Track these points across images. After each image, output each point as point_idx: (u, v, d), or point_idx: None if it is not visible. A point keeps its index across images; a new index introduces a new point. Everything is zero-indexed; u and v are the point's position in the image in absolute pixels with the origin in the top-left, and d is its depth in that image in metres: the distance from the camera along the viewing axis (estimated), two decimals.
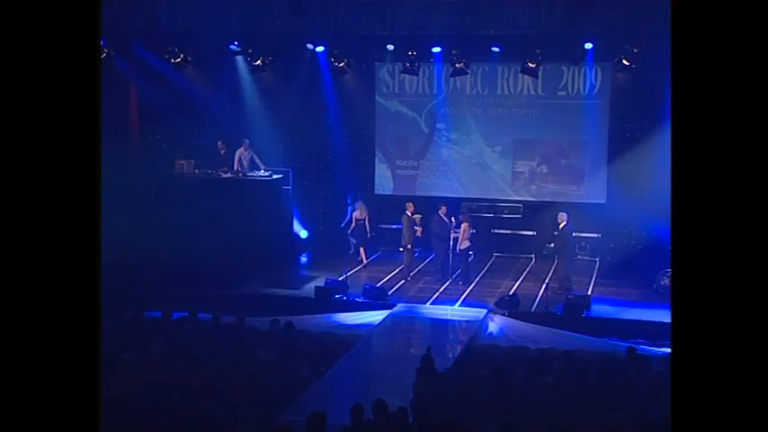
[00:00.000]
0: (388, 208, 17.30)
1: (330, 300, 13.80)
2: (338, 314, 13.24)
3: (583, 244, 16.66)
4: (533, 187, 17.22)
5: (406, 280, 15.08)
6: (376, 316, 13.04)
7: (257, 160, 16.78)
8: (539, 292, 14.12)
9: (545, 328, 12.45)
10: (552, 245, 14.27)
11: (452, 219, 14.76)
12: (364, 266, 16.09)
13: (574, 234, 15.45)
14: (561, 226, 14.04)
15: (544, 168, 17.15)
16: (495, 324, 12.80)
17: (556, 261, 14.72)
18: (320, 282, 14.39)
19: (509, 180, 17.34)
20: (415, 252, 16.01)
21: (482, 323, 12.73)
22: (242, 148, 16.81)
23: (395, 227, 16.49)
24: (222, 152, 17.06)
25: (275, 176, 16.63)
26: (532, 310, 13.34)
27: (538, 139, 17.10)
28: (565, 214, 14.12)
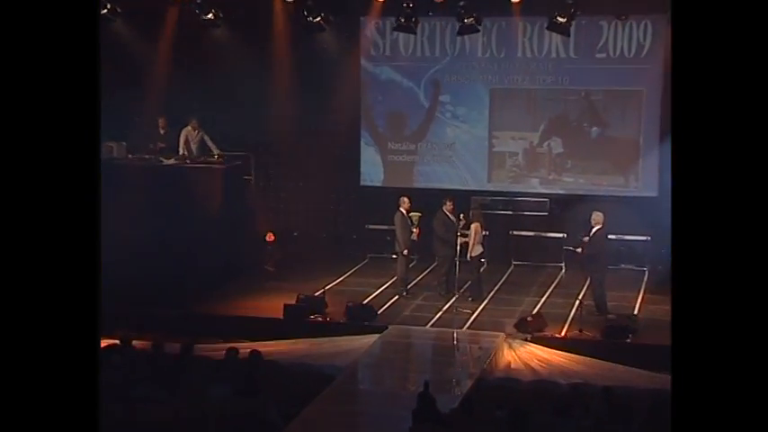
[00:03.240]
0: (377, 203, 17.29)
1: (303, 321, 13.77)
2: (314, 339, 13.18)
3: (626, 249, 16.66)
4: (563, 177, 17.26)
5: (401, 295, 15.08)
6: (362, 342, 13.00)
7: (209, 142, 16.73)
8: (570, 311, 14.10)
9: (579, 357, 12.42)
10: (580, 249, 14.24)
11: (460, 217, 14.73)
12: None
13: (615, 237, 15.44)
14: (595, 230, 13.99)
15: (576, 151, 17.19)
16: (514, 352, 12.77)
17: (589, 276, 14.69)
18: (291, 298, 14.33)
19: (529, 166, 17.39)
20: (412, 260, 15.97)
21: (498, 351, 12.71)
22: (189, 128, 16.75)
23: (386, 227, 16.47)
24: (163, 132, 17.00)
25: (235, 163, 16.57)
26: (562, 334, 13.33)
27: (566, 116, 17.16)
28: (601, 215, 14.06)
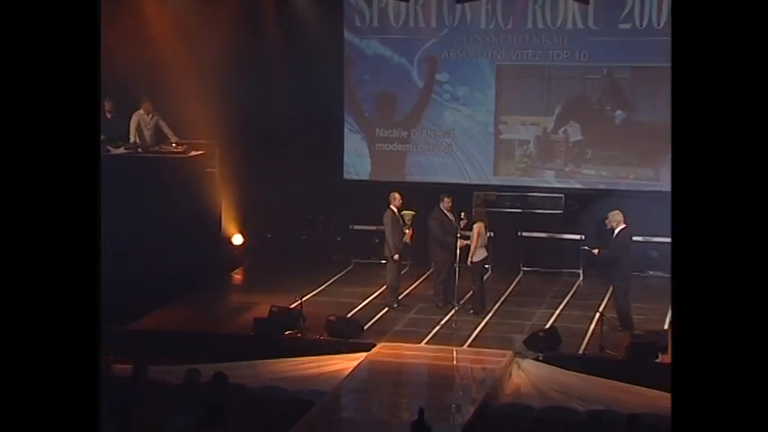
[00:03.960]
0: (363, 200, 17.32)
1: (277, 338, 13.76)
2: (289, 359, 13.17)
3: (654, 254, 16.65)
4: (582, 169, 17.27)
5: (392, 307, 15.09)
6: (346, 362, 12.99)
7: (165, 128, 16.65)
8: (590, 325, 14.13)
9: (600, 379, 12.42)
10: (596, 250, 14.23)
11: (461, 216, 14.72)
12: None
13: (642, 239, 15.43)
14: (618, 231, 13.99)
15: (596, 139, 17.24)
16: (523, 374, 12.77)
17: (611, 285, 14.72)
18: (262, 311, 14.34)
19: (542, 156, 17.43)
20: (405, 265, 15.94)
21: (504, 372, 12.70)
22: (141, 111, 16.66)
23: (374, 228, 16.50)
24: (109, 116, 16.89)
25: (193, 153, 16.50)
26: (580, 352, 13.35)
27: (585, 98, 17.21)
28: (620, 214, 14.05)
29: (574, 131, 17.31)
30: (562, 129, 17.34)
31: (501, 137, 17.52)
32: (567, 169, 17.38)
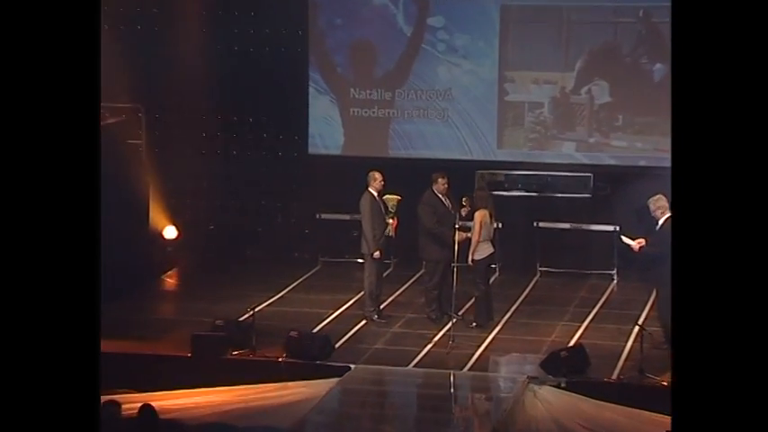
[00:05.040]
0: (334, 181, 17.38)
1: (221, 360, 13.76)
2: (237, 388, 13.17)
3: None
4: (612, 140, 17.28)
5: (371, 319, 15.10)
6: (311, 390, 12.99)
7: None
8: (626, 342, 14.19)
9: (639, 412, 12.39)
10: (637, 244, 14.16)
11: (462, 202, 14.72)
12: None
13: None
14: (661, 222, 13.92)
15: (630, 101, 17.30)
16: (541, 404, 12.80)
17: (655, 290, 14.69)
18: (203, 325, 14.38)
19: (561, 123, 17.46)
20: (388, 265, 15.95)
21: (517, 402, 12.70)
22: None
23: (347, 218, 16.58)
24: None
25: (111, 120, 16.39)
26: (614, 376, 13.39)
27: (615, 48, 17.27)
28: (663, 199, 13.96)
29: (600, 91, 17.34)
30: (585, 88, 17.38)
31: (506, 98, 17.50)
32: (592, 140, 17.40)
